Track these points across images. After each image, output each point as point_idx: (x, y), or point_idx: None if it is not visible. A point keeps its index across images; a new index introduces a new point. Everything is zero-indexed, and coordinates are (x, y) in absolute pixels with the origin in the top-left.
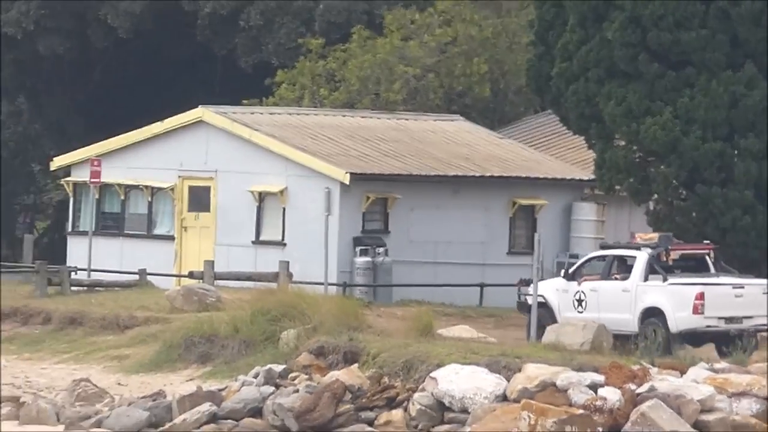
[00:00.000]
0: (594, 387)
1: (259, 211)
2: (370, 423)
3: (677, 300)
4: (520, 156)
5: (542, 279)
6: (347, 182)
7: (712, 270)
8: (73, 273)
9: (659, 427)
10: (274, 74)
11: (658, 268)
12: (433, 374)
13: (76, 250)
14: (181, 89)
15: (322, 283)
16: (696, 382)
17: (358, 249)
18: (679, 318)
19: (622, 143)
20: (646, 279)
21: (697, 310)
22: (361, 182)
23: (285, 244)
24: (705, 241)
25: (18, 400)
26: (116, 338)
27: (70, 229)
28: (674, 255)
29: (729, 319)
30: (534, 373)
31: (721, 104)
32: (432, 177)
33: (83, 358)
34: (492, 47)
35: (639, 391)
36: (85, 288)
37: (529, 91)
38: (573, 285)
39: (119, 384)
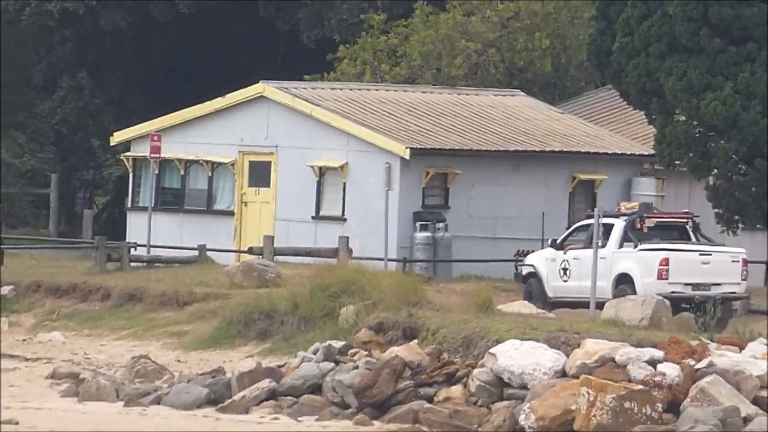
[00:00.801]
0: (653, 363)
1: (319, 186)
2: (430, 399)
3: (644, 266)
4: (580, 131)
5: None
6: (407, 157)
7: (693, 239)
8: (132, 249)
9: (719, 402)
10: (336, 50)
11: (632, 235)
12: (492, 350)
13: (136, 226)
14: (243, 65)
15: (381, 259)
16: (755, 357)
17: (417, 224)
18: (646, 284)
19: (683, 118)
20: (621, 246)
21: (662, 275)
22: (421, 157)
23: (345, 220)
24: (684, 210)
25: (77, 377)
26: (175, 314)
27: (129, 205)
28: (650, 223)
29: (696, 286)
30: (593, 348)
31: None
32: (492, 152)
33: (142, 335)
34: (554, 22)
35: (698, 366)
36: (145, 264)
37: (590, 66)
38: (560, 254)
39: (178, 361)
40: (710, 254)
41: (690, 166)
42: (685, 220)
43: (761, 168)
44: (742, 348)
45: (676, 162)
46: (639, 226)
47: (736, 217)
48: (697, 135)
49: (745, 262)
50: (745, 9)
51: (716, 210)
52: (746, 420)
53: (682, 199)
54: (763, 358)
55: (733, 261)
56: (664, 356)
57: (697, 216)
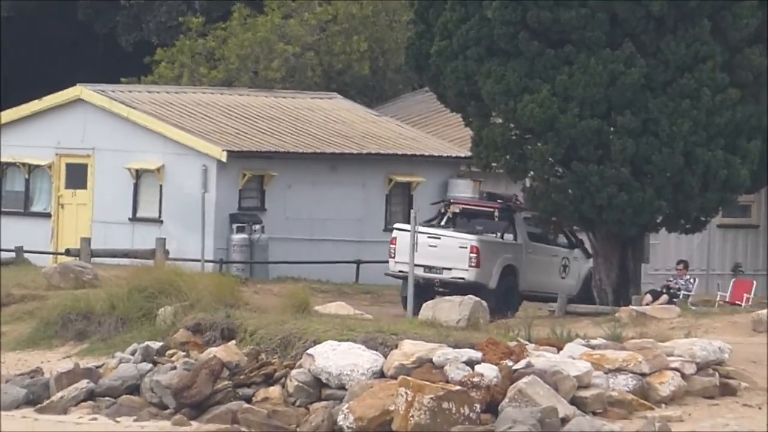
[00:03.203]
0: (471, 363)
1: (136, 188)
2: (248, 400)
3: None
4: (398, 133)
5: None
6: (224, 160)
7: (504, 226)
8: None
9: (537, 403)
10: (154, 53)
11: (438, 221)
12: (310, 351)
13: None
14: (63, 69)
15: (198, 260)
16: (573, 358)
17: (234, 226)
18: (390, 263)
19: (500, 121)
20: None
21: (390, 254)
22: (238, 160)
23: (162, 222)
24: (499, 201)
25: None
26: None
27: None
28: (455, 209)
29: (428, 268)
30: (411, 349)
31: (600, 82)
32: (309, 154)
33: None
34: (372, 25)
35: (516, 367)
36: None
37: (408, 69)
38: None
39: None
40: (439, 238)
41: (507, 169)
42: (492, 209)
43: (578, 170)
44: (560, 349)
45: (493, 164)
46: (444, 211)
47: (553, 219)
48: (514, 137)
49: (476, 250)
50: (563, 12)
51: (533, 212)
52: (564, 420)
53: None
54: (581, 359)
55: (461, 247)
56: (482, 357)
57: (519, 203)
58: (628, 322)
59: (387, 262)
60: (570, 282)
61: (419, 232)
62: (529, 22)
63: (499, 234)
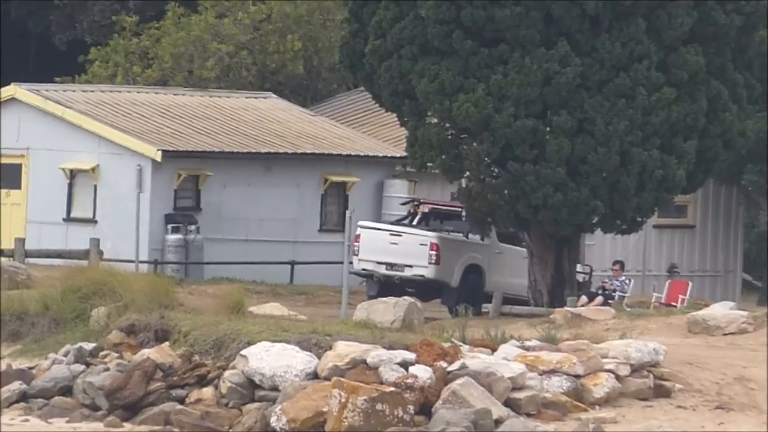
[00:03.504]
0: (405, 365)
1: (71, 188)
2: (181, 401)
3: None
4: (333, 133)
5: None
6: (159, 160)
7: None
8: None
9: (470, 404)
10: (88, 52)
11: (409, 221)
12: (243, 352)
13: None
14: None
15: (133, 261)
16: (507, 359)
17: (169, 226)
18: (354, 261)
19: (435, 120)
20: None
21: (354, 252)
22: (173, 160)
23: (96, 222)
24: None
25: None
26: None
27: None
28: (424, 209)
29: (390, 265)
30: (345, 351)
31: (535, 81)
32: (244, 154)
33: None
34: (306, 24)
35: (450, 368)
36: None
37: (342, 68)
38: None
39: None
40: (400, 235)
41: (442, 169)
42: (461, 209)
43: (513, 170)
44: (494, 350)
45: (429, 164)
46: (414, 211)
47: (489, 219)
48: (450, 137)
49: (436, 247)
50: (497, 11)
51: (469, 212)
52: (498, 422)
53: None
54: (516, 360)
55: (421, 244)
56: (416, 358)
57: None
58: (563, 323)
59: (322, 263)
60: None
61: (380, 230)
62: (464, 21)
63: (464, 233)
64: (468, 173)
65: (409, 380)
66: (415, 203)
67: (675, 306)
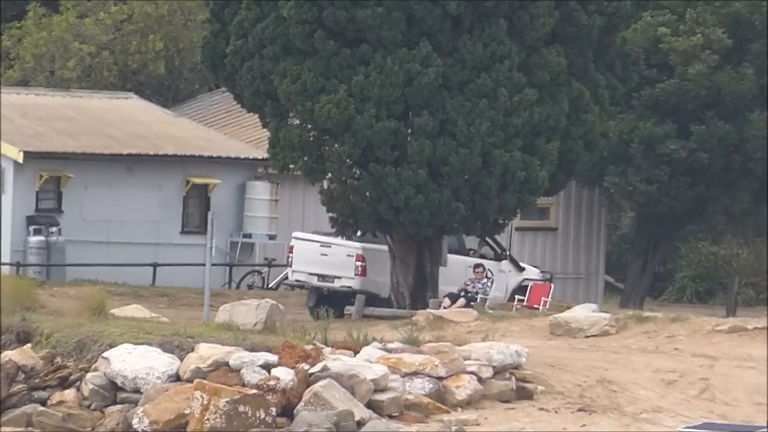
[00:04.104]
0: (267, 367)
1: None
2: (43, 403)
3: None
4: (195, 134)
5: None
6: (21, 161)
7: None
8: None
9: (333, 406)
10: None
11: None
12: (105, 354)
13: None
14: None
15: None
16: (369, 361)
17: (31, 228)
18: (288, 273)
19: (297, 122)
20: None
21: (288, 263)
22: (35, 161)
23: None
24: None
25: None
26: None
27: None
28: None
29: (321, 277)
30: (207, 353)
31: (396, 82)
32: (106, 155)
33: None
34: (167, 24)
35: (312, 370)
36: None
37: (204, 68)
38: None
39: None
40: (329, 246)
41: (304, 170)
42: None
43: (375, 172)
44: (356, 352)
45: (291, 165)
46: None
47: (351, 221)
48: (312, 139)
49: (361, 258)
50: (359, 11)
51: (330, 214)
52: (360, 423)
53: (297, 202)
54: (378, 362)
55: (348, 255)
56: (279, 360)
57: None
58: (425, 325)
59: (184, 264)
60: (496, 293)
61: (312, 241)
62: (326, 21)
63: None
64: (330, 175)
65: (272, 382)
66: None
67: (537, 308)
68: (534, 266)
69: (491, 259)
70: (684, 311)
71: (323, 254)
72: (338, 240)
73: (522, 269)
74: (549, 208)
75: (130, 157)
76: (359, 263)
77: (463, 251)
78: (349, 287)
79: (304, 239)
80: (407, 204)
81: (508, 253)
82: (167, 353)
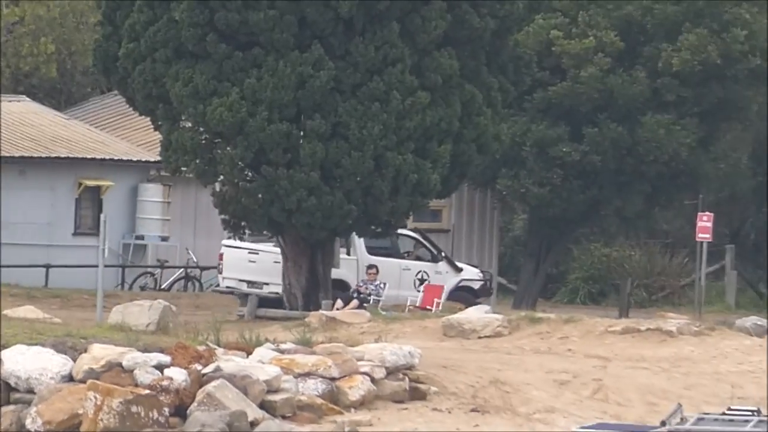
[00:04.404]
0: (160, 367)
1: None
2: None
3: None
4: (87, 137)
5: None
6: None
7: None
8: None
9: (226, 407)
10: None
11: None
12: None
13: None
14: None
15: None
16: (262, 362)
17: None
18: (219, 279)
19: (189, 124)
20: None
21: (219, 270)
22: None
23: None
24: None
25: None
26: None
27: None
28: None
29: (250, 283)
30: (100, 353)
31: (288, 85)
32: None
33: None
34: (59, 27)
35: (205, 371)
36: None
37: (96, 71)
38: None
39: None
40: (257, 253)
41: (196, 173)
42: None
43: (267, 174)
44: (249, 353)
45: (183, 168)
46: None
47: (243, 224)
48: (204, 141)
49: None
50: (251, 14)
51: (223, 216)
52: (253, 424)
53: (189, 205)
54: (271, 363)
55: (275, 262)
56: (172, 361)
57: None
58: (318, 326)
59: (76, 266)
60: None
61: (240, 248)
62: (218, 24)
63: None
64: (222, 177)
65: (164, 382)
66: None
67: (430, 310)
68: (473, 266)
69: (428, 261)
70: (577, 312)
71: (252, 261)
72: (266, 246)
73: (459, 270)
74: (441, 211)
75: (22, 160)
76: None
77: (397, 254)
78: (276, 293)
79: (233, 246)
80: (299, 206)
81: (444, 254)
82: (60, 354)
